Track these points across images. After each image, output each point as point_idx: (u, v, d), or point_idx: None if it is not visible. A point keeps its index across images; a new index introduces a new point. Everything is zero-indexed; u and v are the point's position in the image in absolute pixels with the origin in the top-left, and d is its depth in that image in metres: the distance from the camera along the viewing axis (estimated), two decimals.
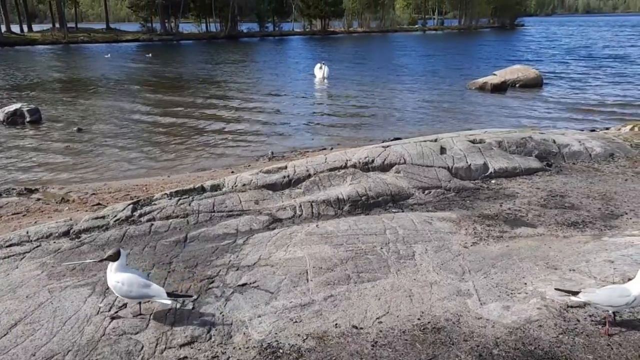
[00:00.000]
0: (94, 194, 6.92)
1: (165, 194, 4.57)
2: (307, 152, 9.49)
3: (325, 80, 18.93)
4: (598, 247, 3.72)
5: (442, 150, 6.07)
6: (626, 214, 4.67)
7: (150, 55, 34.24)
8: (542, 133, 7.22)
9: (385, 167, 5.53)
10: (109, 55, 34.31)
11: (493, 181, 5.72)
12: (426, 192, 5.22)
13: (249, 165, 8.63)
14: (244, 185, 4.86)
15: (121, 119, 12.65)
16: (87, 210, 6.10)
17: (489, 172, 5.80)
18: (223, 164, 8.97)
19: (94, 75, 23.02)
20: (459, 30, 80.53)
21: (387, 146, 6.01)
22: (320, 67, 19.63)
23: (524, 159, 6.16)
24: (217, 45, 47.76)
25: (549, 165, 6.24)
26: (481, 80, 17.35)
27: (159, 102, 15.47)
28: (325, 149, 9.70)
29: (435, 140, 6.30)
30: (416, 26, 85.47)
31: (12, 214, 6.08)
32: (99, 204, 6.37)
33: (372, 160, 5.55)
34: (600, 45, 39.20)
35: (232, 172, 8.02)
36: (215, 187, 4.82)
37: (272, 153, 9.54)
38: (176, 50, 41.73)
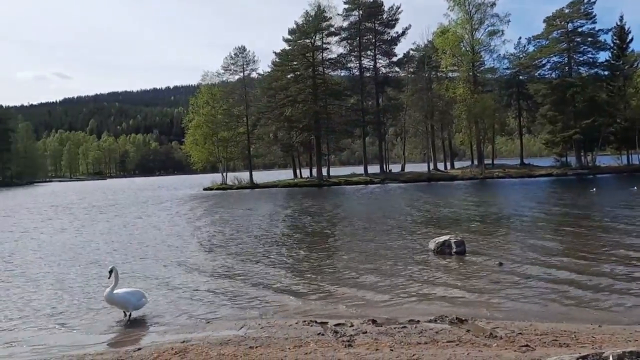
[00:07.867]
0: (520, 333, 6.96)
1: (621, 352, 4.19)
2: None
3: None
4: None
5: None
6: None
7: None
8: None
9: None
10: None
11: None
12: None
13: None
14: None
15: (538, 258, 12.55)
16: (515, 351, 6.15)
17: None
18: None
19: (508, 211, 23.95)
20: None
21: None
22: None
23: None
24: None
25: None
26: None
27: (571, 244, 14.76)
28: None
29: None
30: None
31: (447, 342, 6.66)
32: (527, 345, 6.36)
33: None
34: None
35: None
36: None
37: None
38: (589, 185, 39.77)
